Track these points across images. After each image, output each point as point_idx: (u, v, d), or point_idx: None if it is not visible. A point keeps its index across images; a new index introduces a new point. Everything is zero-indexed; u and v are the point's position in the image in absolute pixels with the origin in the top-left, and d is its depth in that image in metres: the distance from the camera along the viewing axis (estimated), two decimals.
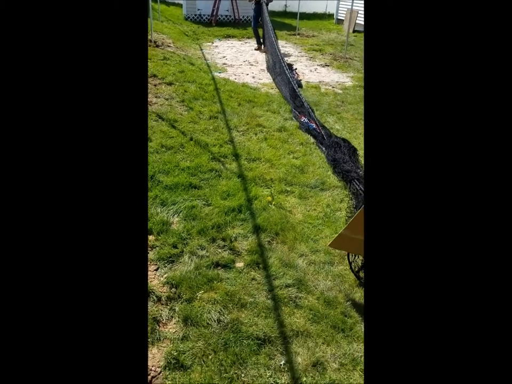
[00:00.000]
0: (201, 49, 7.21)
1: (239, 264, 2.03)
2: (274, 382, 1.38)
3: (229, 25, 10.08)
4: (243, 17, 10.37)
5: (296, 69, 5.88)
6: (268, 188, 2.81)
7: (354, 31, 9.41)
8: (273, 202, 2.63)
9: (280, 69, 5.16)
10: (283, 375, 1.41)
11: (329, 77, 5.80)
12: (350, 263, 1.93)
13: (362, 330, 1.63)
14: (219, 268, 1.98)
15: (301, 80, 5.42)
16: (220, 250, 2.11)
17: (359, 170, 2.87)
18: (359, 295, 1.83)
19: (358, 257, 1.95)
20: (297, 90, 4.47)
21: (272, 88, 5.18)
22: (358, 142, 3.63)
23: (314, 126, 3.81)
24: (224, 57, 6.81)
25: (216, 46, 7.76)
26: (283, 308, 1.73)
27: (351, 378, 1.42)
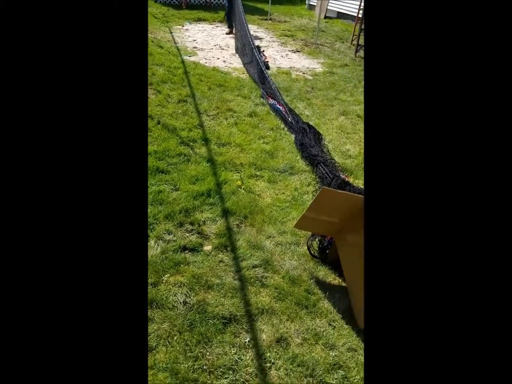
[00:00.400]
0: (171, 32, 6.99)
1: (207, 247, 2.03)
2: (238, 358, 1.41)
3: (200, 8, 9.79)
4: (215, 0, 10.10)
5: (263, 51, 5.87)
6: (238, 172, 2.81)
7: (325, 17, 9.42)
8: (243, 187, 2.64)
9: (249, 51, 5.14)
10: (247, 352, 1.44)
11: (300, 62, 5.80)
12: (309, 247, 1.99)
13: (325, 306, 1.69)
14: (186, 251, 1.97)
15: (267, 61, 5.44)
16: (187, 234, 2.10)
17: (324, 154, 2.95)
18: (322, 273, 1.88)
19: (315, 239, 2.00)
20: (264, 72, 4.49)
21: (243, 73, 5.12)
22: (326, 128, 3.69)
23: (281, 108, 3.84)
24: (194, 40, 6.63)
25: (187, 29, 7.54)
26: (249, 288, 1.76)
27: (313, 352, 1.47)
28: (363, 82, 4.91)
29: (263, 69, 4.53)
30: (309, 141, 3.14)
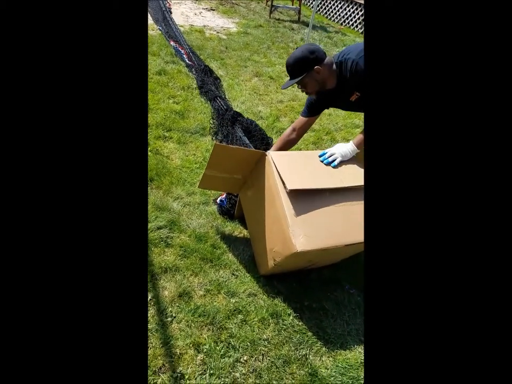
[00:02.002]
0: None
1: None
2: None
3: None
4: None
5: None
6: None
7: None
8: (149, 148, 2.50)
9: None
10: (149, 309, 1.42)
11: (214, 21, 5.55)
12: (219, 207, 2.01)
13: (229, 258, 1.73)
14: None
15: (170, 8, 5.39)
16: None
17: (221, 93, 3.41)
18: (229, 228, 1.91)
19: (224, 199, 2.02)
20: (166, 11, 4.52)
21: (153, 30, 4.73)
22: (240, 89, 3.64)
23: (183, 51, 3.89)
24: None
25: None
26: (153, 249, 1.71)
27: (215, 301, 1.51)
28: (276, 44, 4.93)
29: (163, 8, 4.45)
30: (208, 81, 3.49)
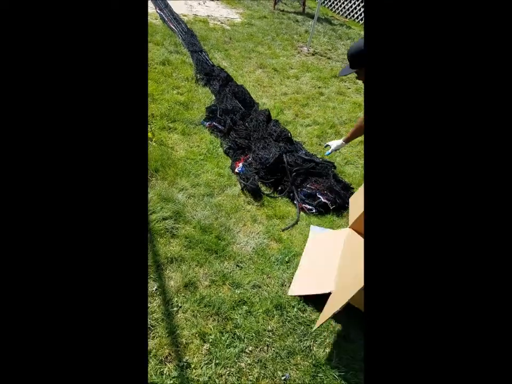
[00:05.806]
0: None
1: None
2: None
3: None
4: None
5: None
6: (149, 124, 2.63)
7: None
8: (154, 139, 2.49)
9: None
10: (155, 299, 1.43)
11: (218, 12, 5.49)
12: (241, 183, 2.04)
13: (234, 250, 1.74)
14: None
15: None
16: None
17: (201, 46, 4.12)
18: (233, 220, 1.92)
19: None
20: None
21: (156, 19, 4.68)
22: (244, 80, 3.62)
23: (166, 19, 4.59)
24: None
25: None
26: (159, 239, 1.72)
27: (220, 292, 1.52)
28: (281, 36, 4.87)
29: None
30: (194, 41, 4.19)
